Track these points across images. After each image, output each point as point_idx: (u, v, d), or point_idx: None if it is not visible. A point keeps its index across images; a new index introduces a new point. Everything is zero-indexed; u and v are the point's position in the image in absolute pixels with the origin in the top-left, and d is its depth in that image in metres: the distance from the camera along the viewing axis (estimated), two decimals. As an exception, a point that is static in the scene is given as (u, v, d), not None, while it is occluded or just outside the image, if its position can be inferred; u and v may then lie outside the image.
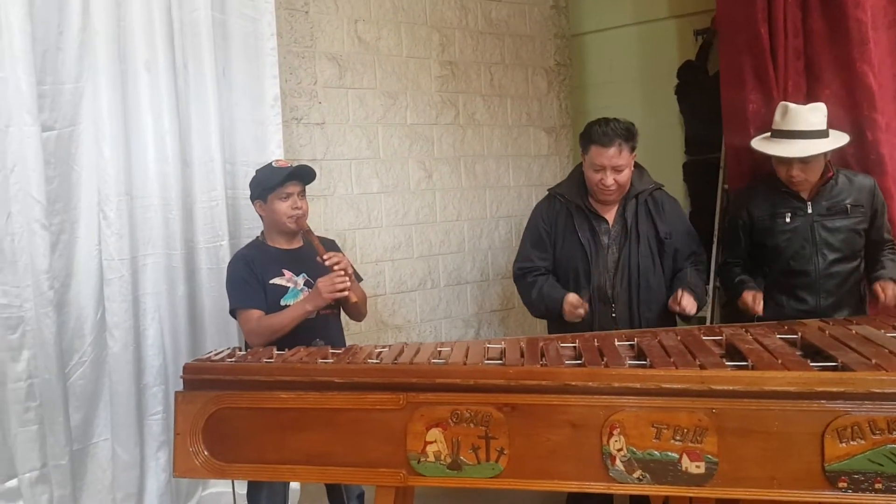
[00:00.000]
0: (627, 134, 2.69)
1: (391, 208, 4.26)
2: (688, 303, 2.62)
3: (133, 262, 3.07)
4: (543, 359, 2.03)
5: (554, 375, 1.91)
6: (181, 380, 2.12)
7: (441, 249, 4.48)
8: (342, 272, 2.47)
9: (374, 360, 2.09)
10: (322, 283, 2.47)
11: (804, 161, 2.66)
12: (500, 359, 2.06)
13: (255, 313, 2.53)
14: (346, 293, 2.47)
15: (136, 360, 3.08)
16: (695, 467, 1.82)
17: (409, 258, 4.35)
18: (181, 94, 3.19)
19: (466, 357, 2.07)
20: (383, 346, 2.24)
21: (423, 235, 4.40)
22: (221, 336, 3.21)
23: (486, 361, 2.04)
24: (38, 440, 2.86)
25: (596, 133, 2.69)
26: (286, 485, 2.57)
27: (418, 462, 1.95)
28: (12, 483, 2.82)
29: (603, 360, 1.98)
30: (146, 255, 3.11)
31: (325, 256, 2.50)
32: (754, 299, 2.69)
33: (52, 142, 2.87)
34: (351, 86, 4.07)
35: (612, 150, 2.65)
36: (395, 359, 2.08)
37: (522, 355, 2.06)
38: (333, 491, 2.64)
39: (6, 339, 2.78)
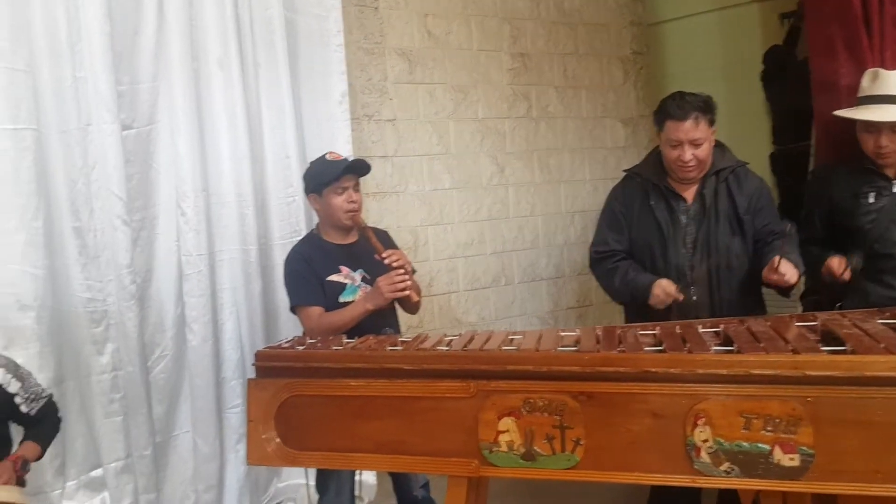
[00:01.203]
0: (704, 106, 2.55)
1: (463, 204, 4.21)
2: (787, 269, 2.39)
3: (210, 257, 3.12)
4: (621, 345, 1.93)
5: (633, 362, 1.81)
6: (254, 367, 2.13)
7: (515, 245, 4.41)
8: (402, 270, 2.43)
9: (444, 348, 2.03)
10: (383, 283, 2.43)
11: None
12: (575, 346, 1.97)
13: (316, 310, 2.52)
14: (407, 293, 2.44)
15: (215, 354, 3.13)
16: (788, 460, 1.69)
17: (483, 255, 4.30)
18: (253, 91, 3.23)
19: (539, 344, 1.99)
20: (454, 335, 2.19)
21: (496, 231, 4.34)
22: (298, 330, 3.20)
23: (561, 349, 1.95)
24: (122, 431, 2.93)
25: (671, 107, 2.56)
26: (353, 476, 2.56)
27: (490, 452, 1.89)
28: (97, 472, 2.91)
29: (686, 346, 1.87)
30: (222, 251, 3.17)
31: (384, 255, 2.46)
32: (840, 264, 2.50)
33: (132, 140, 2.95)
34: (421, 81, 4.05)
35: (689, 124, 2.52)
36: (465, 346, 2.02)
37: (598, 342, 1.97)
38: (399, 480, 2.60)
39: (91, 332, 2.86)
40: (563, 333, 2.09)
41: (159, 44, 2.99)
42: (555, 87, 4.51)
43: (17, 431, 2.43)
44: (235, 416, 3.16)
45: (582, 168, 4.64)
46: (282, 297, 3.28)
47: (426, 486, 2.60)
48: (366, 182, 3.52)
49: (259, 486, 3.29)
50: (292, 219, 3.33)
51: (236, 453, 3.17)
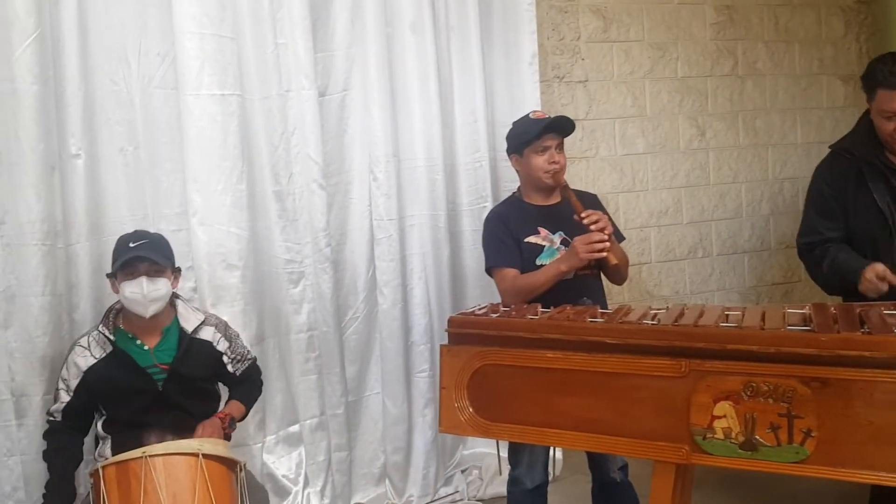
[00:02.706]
0: None
1: (658, 169, 3.97)
2: None
3: (400, 222, 3.13)
4: (864, 326, 1.67)
5: (881, 345, 1.56)
6: (446, 333, 2.07)
7: (714, 215, 4.11)
8: (601, 231, 2.27)
9: (651, 322, 1.86)
10: (579, 242, 2.30)
11: None
12: (805, 325, 1.73)
13: (511, 272, 2.43)
14: (604, 254, 2.28)
15: (404, 318, 3.15)
16: None
17: (678, 224, 4.03)
18: (444, 54, 3.18)
19: (763, 321, 1.77)
20: (659, 308, 2.01)
21: (694, 199, 4.06)
22: (485, 297, 3.14)
23: (790, 328, 1.72)
24: (317, 389, 3.02)
25: (881, 73, 2.22)
26: (547, 450, 2.45)
27: (703, 438, 1.71)
28: (295, 428, 3.01)
29: (948, 329, 1.59)
30: (412, 216, 3.17)
31: (583, 214, 2.32)
32: None
33: (327, 106, 3.00)
34: (616, 39, 3.83)
35: None
36: (676, 321, 1.84)
37: (836, 322, 1.72)
38: (595, 459, 2.47)
39: (290, 293, 2.96)
40: (788, 310, 1.85)
41: (354, 10, 3.01)
42: (764, 41, 4.12)
43: (223, 391, 2.56)
44: (423, 381, 3.18)
45: (793, 130, 4.21)
46: (469, 264, 3.26)
47: (624, 468, 2.45)
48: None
49: (446, 451, 3.29)
50: (479, 184, 3.28)
51: (423, 417, 3.18)
